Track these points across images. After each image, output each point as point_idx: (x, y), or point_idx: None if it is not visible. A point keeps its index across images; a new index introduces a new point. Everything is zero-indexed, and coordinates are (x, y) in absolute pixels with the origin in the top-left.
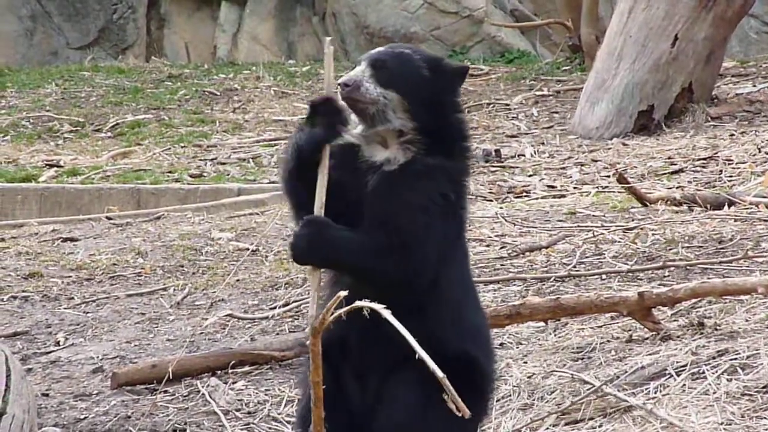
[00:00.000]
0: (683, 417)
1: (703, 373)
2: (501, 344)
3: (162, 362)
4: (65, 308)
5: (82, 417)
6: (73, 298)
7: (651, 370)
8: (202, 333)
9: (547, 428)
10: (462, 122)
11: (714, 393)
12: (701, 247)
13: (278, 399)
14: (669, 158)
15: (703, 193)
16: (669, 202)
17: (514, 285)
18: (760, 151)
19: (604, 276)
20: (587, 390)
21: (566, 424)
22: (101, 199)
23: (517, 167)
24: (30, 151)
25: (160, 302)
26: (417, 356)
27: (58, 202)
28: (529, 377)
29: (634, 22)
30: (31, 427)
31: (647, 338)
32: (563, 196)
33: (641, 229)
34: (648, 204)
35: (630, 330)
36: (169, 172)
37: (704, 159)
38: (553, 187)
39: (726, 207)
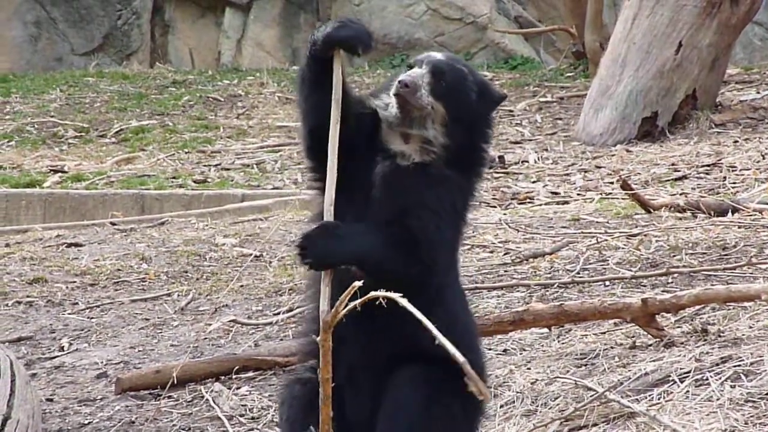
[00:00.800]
0: (687, 423)
1: (707, 379)
2: (504, 350)
3: (166, 368)
4: (69, 313)
5: (86, 422)
6: (77, 303)
7: (654, 377)
8: (206, 338)
9: None
10: (485, 151)
11: (717, 399)
12: (705, 253)
13: None
14: (673, 165)
15: (706, 199)
16: (673, 209)
17: (518, 291)
18: (764, 158)
19: (607, 282)
20: (590, 396)
21: (569, 430)
22: (105, 204)
23: (521, 173)
24: (34, 157)
25: (164, 308)
26: (418, 354)
27: (63, 207)
28: (532, 383)
29: (639, 28)
30: None
31: (651, 345)
32: (567, 202)
33: (645, 235)
34: (652, 210)
35: (633, 336)
36: (173, 177)
37: (708, 165)
38: (556, 193)
39: (730, 214)
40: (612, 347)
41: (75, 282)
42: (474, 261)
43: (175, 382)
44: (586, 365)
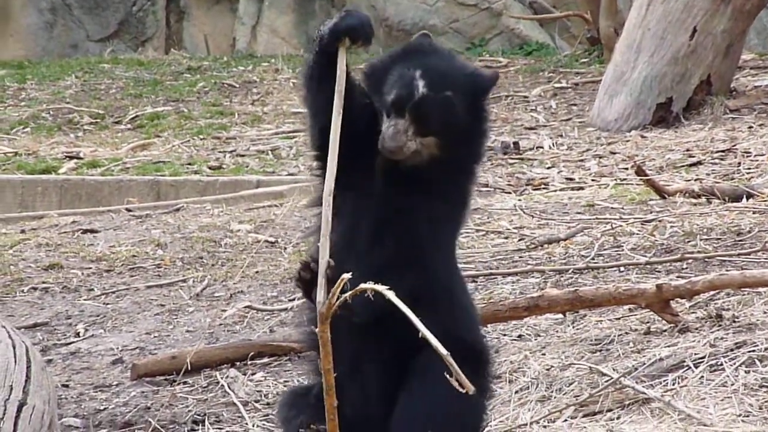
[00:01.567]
0: (701, 409)
1: (722, 365)
2: (519, 336)
3: (181, 353)
4: (85, 300)
5: (101, 408)
6: (93, 289)
7: (669, 362)
8: (221, 324)
9: (565, 420)
10: (482, 149)
11: (732, 385)
12: (719, 239)
13: None
14: (687, 150)
15: (721, 185)
16: (687, 195)
17: (533, 277)
18: None
19: (622, 268)
20: (605, 382)
21: (584, 416)
22: (121, 190)
23: (536, 159)
24: (50, 143)
25: (180, 294)
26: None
27: (78, 194)
28: (547, 369)
29: (653, 14)
30: (51, 418)
31: (665, 330)
32: (582, 188)
33: (659, 221)
34: (666, 196)
35: (648, 322)
36: (189, 164)
37: (723, 151)
38: (571, 179)
39: (744, 199)
40: (627, 333)
41: (90, 268)
42: (489, 247)
43: (191, 367)
44: (600, 351)
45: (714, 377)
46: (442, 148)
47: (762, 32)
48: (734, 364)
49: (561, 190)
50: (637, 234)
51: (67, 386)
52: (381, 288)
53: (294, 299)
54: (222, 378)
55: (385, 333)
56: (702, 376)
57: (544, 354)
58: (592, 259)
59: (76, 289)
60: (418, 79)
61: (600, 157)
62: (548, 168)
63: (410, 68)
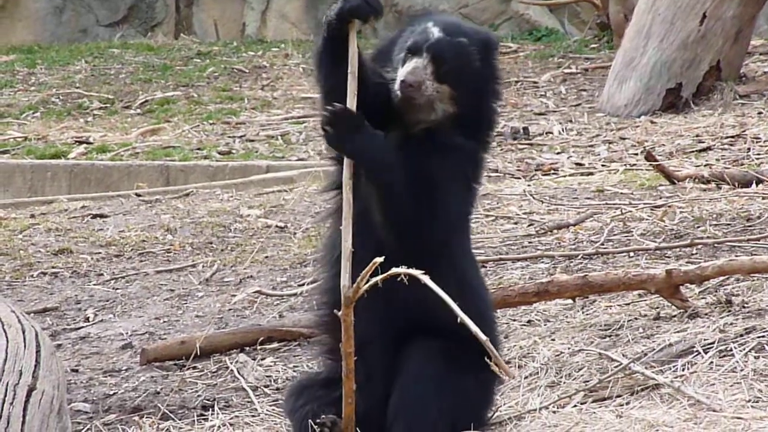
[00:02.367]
0: (711, 394)
1: (731, 350)
2: (529, 321)
3: (191, 338)
4: (95, 284)
5: (111, 393)
6: (102, 274)
7: (678, 348)
8: (230, 309)
9: (575, 406)
10: (495, 111)
11: (741, 370)
12: (729, 224)
13: None
14: (697, 136)
15: (731, 170)
16: (697, 180)
17: (542, 262)
18: None
19: (631, 254)
20: (615, 367)
21: (594, 401)
22: (130, 175)
23: (545, 145)
24: (59, 128)
25: (189, 279)
26: (433, 328)
27: (88, 178)
28: (556, 355)
29: (663, 0)
30: (60, 403)
31: (675, 316)
32: (591, 173)
33: (669, 206)
34: (676, 182)
35: (658, 307)
36: (198, 149)
37: (732, 137)
38: (581, 164)
39: (754, 185)
40: (636, 318)
41: (100, 253)
42: (498, 232)
43: (200, 352)
44: (610, 336)
45: (723, 363)
46: (457, 101)
47: None
48: (744, 349)
49: (570, 175)
50: (647, 219)
51: (76, 371)
52: (417, 273)
53: (303, 284)
54: (231, 363)
55: (394, 314)
56: (711, 362)
57: (553, 339)
58: (602, 244)
59: (86, 274)
60: (432, 27)
61: (610, 143)
62: (558, 153)
63: (423, 22)
